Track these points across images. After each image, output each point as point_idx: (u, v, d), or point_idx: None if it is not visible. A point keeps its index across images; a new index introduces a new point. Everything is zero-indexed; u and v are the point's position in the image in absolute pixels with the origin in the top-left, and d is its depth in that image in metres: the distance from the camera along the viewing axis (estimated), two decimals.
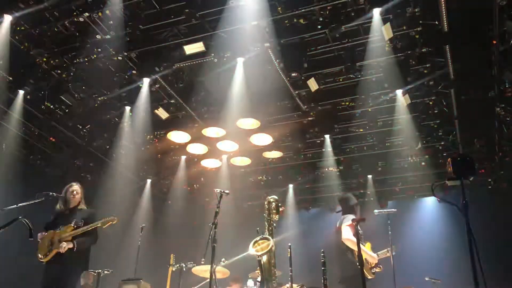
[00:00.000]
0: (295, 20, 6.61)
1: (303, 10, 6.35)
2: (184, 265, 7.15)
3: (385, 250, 6.08)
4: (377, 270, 5.70)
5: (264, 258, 4.62)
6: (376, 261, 5.75)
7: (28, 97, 7.94)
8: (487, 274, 3.37)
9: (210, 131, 8.85)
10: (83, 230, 5.08)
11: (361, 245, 5.58)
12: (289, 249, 5.49)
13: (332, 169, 10.55)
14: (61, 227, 5.17)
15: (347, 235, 5.33)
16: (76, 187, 5.46)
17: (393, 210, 6.80)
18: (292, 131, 9.35)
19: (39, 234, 5.17)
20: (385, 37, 6.46)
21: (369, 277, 5.51)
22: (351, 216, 5.52)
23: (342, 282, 5.46)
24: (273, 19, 6.44)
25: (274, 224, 5.06)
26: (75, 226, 5.12)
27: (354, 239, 5.24)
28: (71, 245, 5.01)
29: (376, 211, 6.86)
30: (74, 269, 5.13)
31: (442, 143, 9.33)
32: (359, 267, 5.05)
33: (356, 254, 5.37)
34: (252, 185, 11.72)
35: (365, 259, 5.58)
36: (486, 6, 6.00)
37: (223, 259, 7.06)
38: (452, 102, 7.88)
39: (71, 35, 7.01)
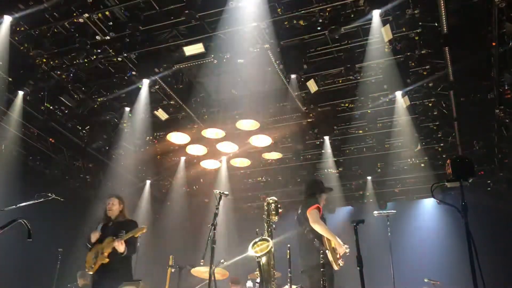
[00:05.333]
0: (294, 22, 6.62)
1: (302, 12, 6.35)
2: (183, 266, 7.15)
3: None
4: (341, 263, 5.27)
5: (263, 260, 4.62)
6: (343, 252, 5.28)
7: (28, 98, 7.93)
8: (486, 275, 3.37)
9: (209, 132, 8.85)
10: (119, 243, 5.22)
11: (331, 232, 5.19)
12: (288, 250, 5.48)
13: (331, 170, 10.56)
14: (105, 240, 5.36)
15: (316, 219, 5.09)
16: (112, 199, 5.65)
17: (392, 211, 6.80)
18: (292, 132, 9.35)
19: (92, 235, 5.42)
20: (384, 38, 6.47)
21: (336, 268, 5.15)
22: (314, 200, 5.34)
23: (304, 272, 5.23)
24: (273, 20, 6.44)
25: (273, 226, 5.05)
26: (113, 238, 5.26)
27: (323, 224, 5.09)
28: (122, 249, 5.17)
29: (375, 212, 6.86)
30: (118, 279, 5.28)
31: (442, 144, 9.33)
32: (327, 254, 4.92)
33: (325, 242, 5.09)
34: (252, 186, 11.71)
35: (333, 247, 5.22)
36: (485, 8, 6.02)
37: (222, 260, 7.06)
38: (451, 104, 7.89)
39: (70, 36, 7.00)
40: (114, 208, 5.57)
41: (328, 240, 5.16)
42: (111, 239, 5.24)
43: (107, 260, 5.18)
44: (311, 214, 5.17)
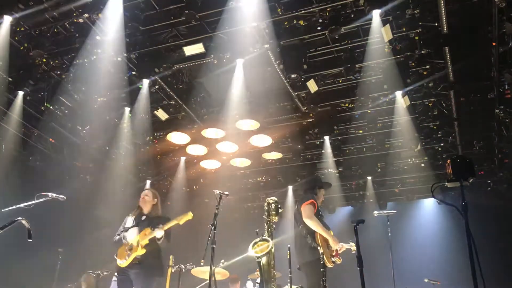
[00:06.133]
0: (294, 22, 6.61)
1: (302, 12, 6.36)
2: (183, 266, 7.15)
3: (349, 243, 5.51)
4: (337, 261, 5.22)
5: (264, 260, 4.62)
6: (338, 248, 5.25)
7: (28, 98, 7.93)
8: (486, 275, 3.37)
9: (209, 132, 8.85)
10: (160, 229, 5.09)
11: (323, 228, 5.16)
12: (288, 251, 5.48)
13: (331, 170, 10.57)
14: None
15: (309, 214, 5.06)
16: (147, 191, 5.54)
17: (392, 211, 6.80)
18: (292, 132, 9.34)
19: (124, 241, 5.21)
20: (384, 38, 6.47)
21: (329, 265, 5.07)
22: (310, 196, 5.34)
23: (301, 268, 5.21)
24: (273, 21, 6.44)
25: (274, 226, 5.05)
26: (152, 228, 5.13)
27: (316, 219, 5.05)
28: (160, 235, 5.03)
29: (375, 212, 6.86)
30: (151, 273, 5.16)
31: (442, 144, 9.33)
32: (318, 250, 4.87)
33: (317, 238, 5.05)
34: (252, 186, 11.71)
35: (327, 244, 5.18)
36: (485, 8, 6.02)
37: (222, 261, 7.06)
38: (451, 104, 7.89)
39: (70, 36, 7.01)
40: (147, 199, 5.44)
41: (322, 236, 5.10)
42: (149, 230, 5.09)
43: (143, 251, 5.04)
44: (305, 209, 5.15)
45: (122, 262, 5.13)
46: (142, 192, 5.59)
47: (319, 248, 5.00)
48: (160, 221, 5.24)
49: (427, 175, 10.11)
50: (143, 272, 5.06)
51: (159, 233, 5.04)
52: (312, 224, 5.06)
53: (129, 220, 5.44)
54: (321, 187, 5.66)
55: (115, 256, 5.26)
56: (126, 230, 5.32)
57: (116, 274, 5.30)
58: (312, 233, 5.10)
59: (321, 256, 4.92)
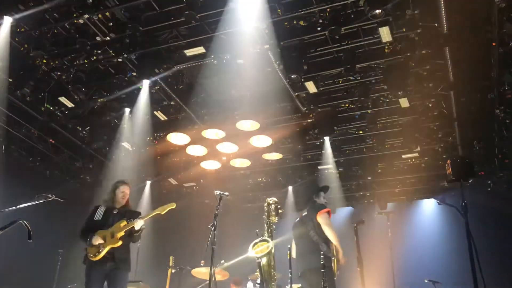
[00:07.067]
0: (294, 22, 6.61)
1: (302, 12, 6.35)
2: (183, 267, 7.16)
3: None
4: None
5: (264, 260, 4.62)
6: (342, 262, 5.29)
7: (28, 98, 7.93)
8: (486, 275, 3.37)
9: (209, 133, 8.85)
10: (141, 219, 5.06)
11: (338, 240, 5.18)
12: (288, 251, 5.48)
13: (331, 171, 10.56)
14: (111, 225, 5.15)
15: (328, 223, 5.09)
16: (126, 188, 5.45)
17: (392, 211, 6.80)
18: (292, 133, 9.34)
19: (93, 239, 5.11)
20: (384, 39, 6.46)
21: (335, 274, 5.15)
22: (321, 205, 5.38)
23: (304, 274, 5.18)
24: (273, 21, 6.44)
25: (274, 226, 5.06)
26: (128, 222, 5.08)
27: (335, 230, 5.08)
28: (138, 226, 4.99)
29: (376, 212, 6.87)
30: (125, 268, 5.14)
31: (442, 144, 9.33)
32: (330, 258, 4.92)
33: (332, 248, 5.08)
34: (252, 187, 11.71)
35: (338, 255, 5.24)
36: (485, 8, 6.02)
37: (222, 261, 7.06)
38: (451, 104, 7.89)
39: (71, 36, 7.01)
40: (126, 197, 5.39)
41: (335, 246, 5.15)
42: (124, 222, 5.05)
43: (119, 243, 4.98)
44: (323, 217, 5.15)
45: (95, 256, 5.02)
46: (117, 184, 5.47)
47: (333, 258, 5.05)
48: (133, 214, 5.22)
49: (427, 176, 10.10)
50: (120, 266, 5.03)
51: (139, 224, 5.01)
52: (331, 234, 5.08)
53: (100, 213, 5.33)
54: (323, 191, 5.69)
55: (85, 250, 5.12)
56: (97, 225, 5.21)
57: (87, 269, 5.09)
58: (327, 242, 5.11)
59: (322, 257, 4.91)
